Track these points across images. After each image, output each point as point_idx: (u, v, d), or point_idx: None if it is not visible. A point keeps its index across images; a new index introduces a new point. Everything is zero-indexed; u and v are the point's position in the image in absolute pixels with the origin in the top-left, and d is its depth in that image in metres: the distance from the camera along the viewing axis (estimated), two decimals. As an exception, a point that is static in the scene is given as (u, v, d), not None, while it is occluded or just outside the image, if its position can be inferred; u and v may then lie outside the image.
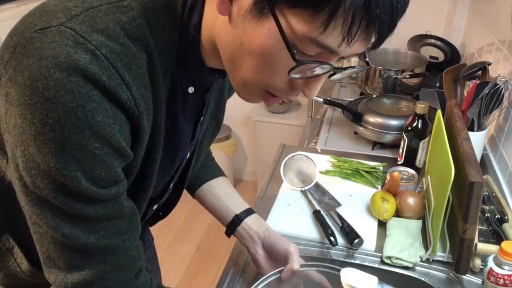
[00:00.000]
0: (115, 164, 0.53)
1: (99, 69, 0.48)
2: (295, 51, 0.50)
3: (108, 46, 0.49)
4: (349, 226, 1.03)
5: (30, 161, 0.50)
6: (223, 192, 0.96)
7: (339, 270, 0.81)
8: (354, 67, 0.59)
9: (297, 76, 0.53)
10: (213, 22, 0.56)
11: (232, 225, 0.92)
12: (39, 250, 0.58)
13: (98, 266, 0.57)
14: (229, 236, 0.94)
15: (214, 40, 0.57)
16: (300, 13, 0.48)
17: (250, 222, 0.92)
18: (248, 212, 0.93)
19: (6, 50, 0.51)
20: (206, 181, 0.96)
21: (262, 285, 0.81)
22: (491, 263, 0.82)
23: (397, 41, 2.04)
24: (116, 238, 0.58)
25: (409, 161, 1.25)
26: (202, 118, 0.73)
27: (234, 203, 0.95)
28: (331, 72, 0.55)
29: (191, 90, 0.65)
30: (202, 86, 0.67)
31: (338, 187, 1.22)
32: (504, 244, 0.80)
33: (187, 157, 0.79)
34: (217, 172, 0.99)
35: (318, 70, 0.53)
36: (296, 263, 0.83)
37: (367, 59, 0.60)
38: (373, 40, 0.51)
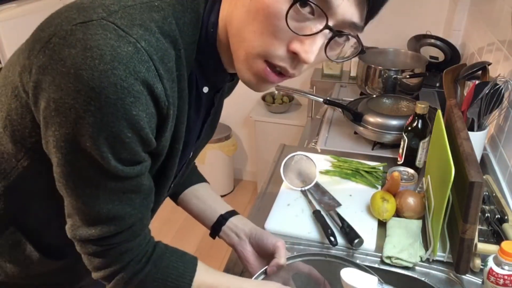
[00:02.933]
0: (140, 150, 0.59)
1: (139, 62, 0.52)
2: None
3: (146, 39, 0.54)
4: (349, 226, 1.03)
5: (62, 141, 0.55)
6: (208, 196, 0.96)
7: (325, 256, 0.81)
8: (347, 36, 0.59)
9: (294, 24, 0.55)
10: (229, 18, 0.61)
11: (217, 225, 0.93)
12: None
13: (103, 230, 0.62)
14: (213, 237, 0.95)
15: (227, 35, 0.62)
16: None
17: (235, 220, 0.92)
18: (233, 212, 0.94)
19: (37, 41, 0.55)
20: (190, 185, 0.96)
21: None
22: (491, 263, 0.82)
23: (397, 41, 2.04)
24: (126, 210, 0.63)
25: (409, 161, 1.25)
26: (209, 118, 0.76)
27: (219, 205, 0.95)
28: (328, 36, 0.57)
29: (205, 90, 0.70)
30: (215, 86, 0.72)
31: (338, 187, 1.22)
32: (504, 244, 0.80)
33: (190, 156, 0.80)
34: (201, 178, 0.99)
35: (314, 27, 0.56)
36: (282, 257, 0.84)
37: (362, 46, 0.61)
38: (365, 12, 0.56)
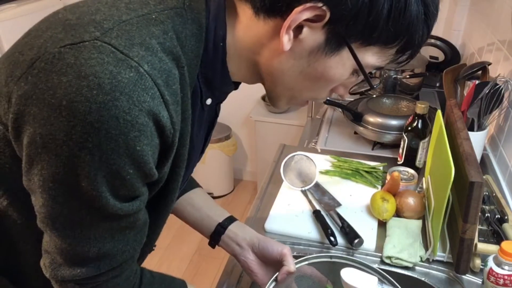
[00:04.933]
0: (140, 185, 0.54)
1: (143, 90, 0.47)
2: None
3: (149, 61, 0.48)
4: (349, 226, 1.03)
5: (50, 181, 0.48)
6: (203, 203, 0.92)
7: (330, 257, 0.80)
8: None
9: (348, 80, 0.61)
10: (243, 38, 0.59)
11: (216, 235, 0.89)
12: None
13: (90, 269, 0.57)
14: (213, 246, 0.91)
15: (243, 55, 0.60)
16: (371, 49, 0.55)
17: (235, 228, 0.89)
18: (231, 219, 0.90)
19: (16, 66, 0.49)
20: (183, 193, 0.92)
21: None
22: (491, 263, 0.82)
23: (397, 41, 2.04)
24: (119, 247, 0.58)
25: (409, 161, 1.25)
26: (212, 130, 0.73)
27: (215, 212, 0.91)
28: None
29: (209, 102, 0.65)
30: (219, 97, 0.68)
31: (338, 187, 1.21)
32: (504, 244, 0.80)
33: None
34: (193, 183, 0.95)
35: (359, 78, 0.62)
36: (292, 264, 0.81)
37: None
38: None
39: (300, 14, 0.51)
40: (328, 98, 1.56)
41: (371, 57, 0.56)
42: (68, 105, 0.44)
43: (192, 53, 0.56)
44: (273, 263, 0.85)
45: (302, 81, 0.60)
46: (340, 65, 0.57)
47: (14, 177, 0.54)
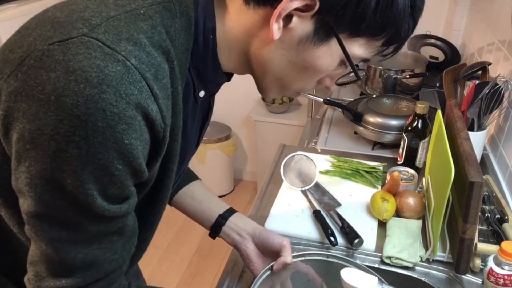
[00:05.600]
0: (130, 183, 0.53)
1: (130, 83, 0.47)
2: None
3: (137, 55, 0.48)
4: (349, 226, 1.03)
5: (37, 178, 0.48)
6: (203, 196, 0.93)
7: (327, 256, 0.81)
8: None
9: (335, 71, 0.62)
10: (233, 29, 0.59)
11: (217, 226, 0.90)
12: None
13: (77, 279, 0.55)
14: (213, 237, 0.93)
15: (233, 46, 0.61)
16: (358, 41, 0.57)
17: (236, 220, 0.90)
18: (231, 211, 0.92)
19: (6, 64, 0.49)
20: (183, 186, 0.93)
21: (259, 282, 0.81)
22: (491, 263, 0.82)
23: (397, 41, 2.04)
24: (106, 255, 0.56)
25: (409, 161, 1.25)
26: (207, 122, 0.73)
27: (216, 204, 0.93)
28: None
29: (202, 94, 0.65)
30: (212, 89, 0.68)
31: (338, 187, 1.22)
32: (504, 244, 0.80)
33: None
34: (193, 176, 0.96)
35: (346, 69, 0.63)
36: (289, 256, 0.83)
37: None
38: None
39: (290, 3, 0.52)
40: (328, 98, 1.56)
41: (358, 49, 0.58)
42: (56, 100, 0.45)
43: (182, 47, 0.56)
44: (272, 255, 0.86)
45: (290, 70, 0.60)
46: (328, 55, 0.58)
47: (5, 176, 0.53)
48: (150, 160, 0.55)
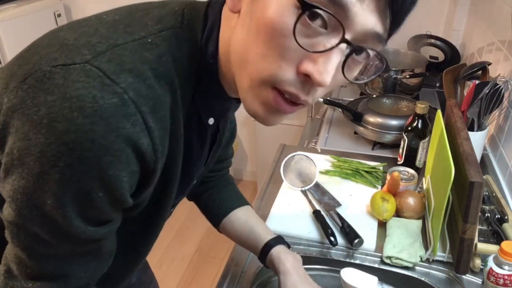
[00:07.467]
0: (111, 210, 0.53)
1: (124, 116, 0.46)
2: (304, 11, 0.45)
3: (135, 88, 0.48)
4: (349, 226, 1.03)
5: (19, 193, 0.49)
6: (252, 223, 0.91)
7: (338, 272, 0.80)
8: (367, 52, 0.49)
9: (304, 40, 0.46)
10: (227, 45, 0.54)
11: (263, 255, 0.87)
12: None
13: (45, 286, 0.56)
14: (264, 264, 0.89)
15: (230, 63, 0.54)
16: None
17: (277, 253, 0.85)
18: (277, 240, 0.87)
19: (12, 78, 0.49)
20: (231, 210, 0.91)
21: None
22: (491, 263, 0.82)
23: (397, 41, 2.04)
24: (77, 272, 0.56)
25: (409, 161, 1.25)
26: (215, 144, 0.72)
27: (263, 230, 0.90)
28: (346, 52, 0.47)
29: (211, 121, 0.63)
30: (221, 115, 0.66)
31: (338, 187, 1.22)
32: (504, 244, 0.80)
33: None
34: (242, 200, 0.94)
35: (328, 42, 0.46)
36: None
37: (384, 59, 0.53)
38: (388, 21, 0.47)
39: None
40: (328, 98, 1.56)
41: None
42: (48, 124, 0.45)
43: (186, 73, 0.55)
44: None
45: (251, 44, 0.49)
46: (279, 2, 0.45)
47: None
48: (138, 188, 0.55)
